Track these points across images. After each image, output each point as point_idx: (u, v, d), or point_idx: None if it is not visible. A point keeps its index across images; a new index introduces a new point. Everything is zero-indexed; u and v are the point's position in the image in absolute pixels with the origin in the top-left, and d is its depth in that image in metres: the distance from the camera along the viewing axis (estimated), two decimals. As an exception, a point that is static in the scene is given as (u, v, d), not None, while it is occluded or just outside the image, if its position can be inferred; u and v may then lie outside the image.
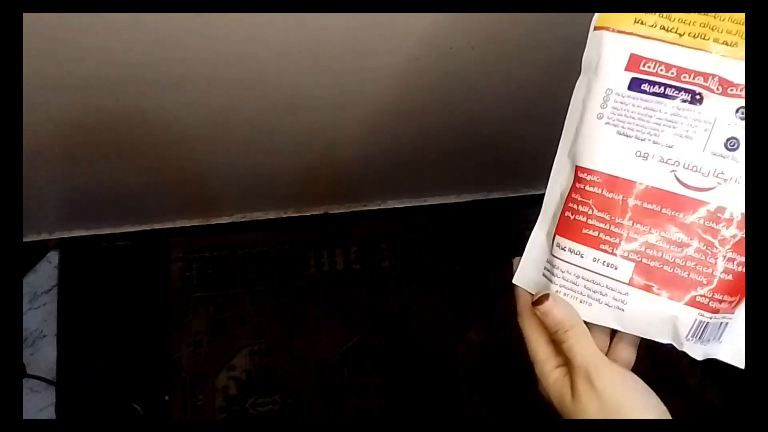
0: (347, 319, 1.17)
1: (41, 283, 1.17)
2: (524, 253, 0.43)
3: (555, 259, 0.41)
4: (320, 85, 0.70)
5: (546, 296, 0.40)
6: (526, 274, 0.43)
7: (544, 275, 0.42)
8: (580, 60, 0.41)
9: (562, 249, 0.40)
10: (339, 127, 0.82)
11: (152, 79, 0.65)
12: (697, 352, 0.38)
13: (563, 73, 0.71)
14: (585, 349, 0.39)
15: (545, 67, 0.69)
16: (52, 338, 1.13)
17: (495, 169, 1.08)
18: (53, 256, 1.18)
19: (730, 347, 0.38)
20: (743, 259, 0.36)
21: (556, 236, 0.41)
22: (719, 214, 0.36)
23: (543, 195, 0.43)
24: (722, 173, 0.35)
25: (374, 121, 0.81)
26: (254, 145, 0.85)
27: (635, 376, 0.39)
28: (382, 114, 0.79)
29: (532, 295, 0.42)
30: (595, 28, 0.39)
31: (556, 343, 0.41)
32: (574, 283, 0.40)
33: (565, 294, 0.41)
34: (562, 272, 0.41)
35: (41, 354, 1.13)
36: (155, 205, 1.08)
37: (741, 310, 0.38)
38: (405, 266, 1.21)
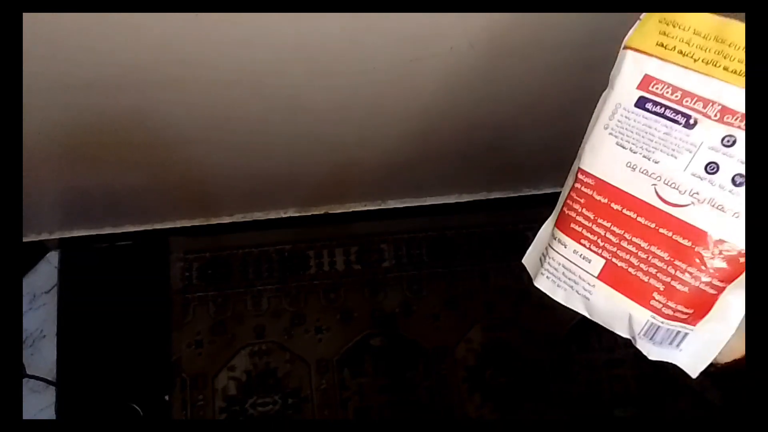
0: (347, 319, 1.17)
1: (41, 283, 1.17)
2: (535, 238, 0.48)
3: (549, 247, 0.46)
4: (320, 85, 0.70)
5: None
6: (531, 255, 0.49)
7: (539, 259, 0.47)
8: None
9: (555, 238, 0.45)
10: (339, 127, 0.82)
11: (152, 80, 0.65)
12: (649, 351, 0.43)
13: (563, 73, 0.71)
14: None
15: (545, 67, 0.69)
16: (52, 338, 1.13)
17: (495, 169, 1.08)
18: (53, 256, 1.18)
19: (688, 357, 0.42)
20: (703, 277, 0.39)
21: (555, 228, 0.46)
22: (687, 231, 0.38)
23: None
24: (697, 193, 0.38)
25: (374, 122, 0.81)
26: (255, 146, 0.85)
27: None
28: (382, 115, 0.79)
29: None
30: (624, 47, 0.42)
31: None
32: (555, 269, 0.45)
33: (548, 277, 0.46)
34: (551, 258, 0.46)
35: (41, 354, 1.13)
36: (155, 205, 1.08)
37: (703, 326, 0.41)
38: (405, 266, 1.21)
